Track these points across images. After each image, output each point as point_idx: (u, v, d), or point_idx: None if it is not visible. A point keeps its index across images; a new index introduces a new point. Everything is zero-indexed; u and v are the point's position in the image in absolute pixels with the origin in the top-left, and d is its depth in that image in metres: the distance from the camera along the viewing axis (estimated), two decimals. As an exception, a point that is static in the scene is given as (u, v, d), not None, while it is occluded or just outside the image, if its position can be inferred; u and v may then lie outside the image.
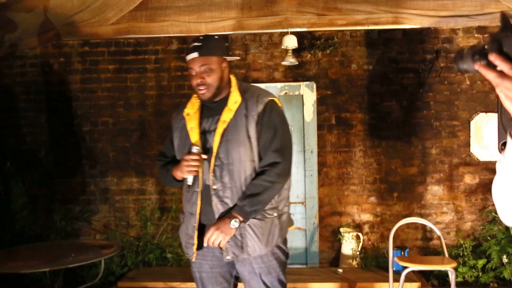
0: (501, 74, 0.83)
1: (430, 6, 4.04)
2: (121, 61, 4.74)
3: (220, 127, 1.99)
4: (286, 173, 2.03)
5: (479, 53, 0.87)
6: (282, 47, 4.34)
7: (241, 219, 1.94)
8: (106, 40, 4.64)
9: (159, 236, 4.55)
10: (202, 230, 2.05)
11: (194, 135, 2.04)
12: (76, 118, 4.75)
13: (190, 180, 2.02)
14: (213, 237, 1.92)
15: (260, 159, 2.01)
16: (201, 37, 2.03)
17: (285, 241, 2.13)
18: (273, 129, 2.00)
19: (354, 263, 4.35)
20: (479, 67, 0.86)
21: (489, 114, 4.43)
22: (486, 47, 0.86)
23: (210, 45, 2.00)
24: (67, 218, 4.54)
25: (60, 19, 4.08)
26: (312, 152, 4.57)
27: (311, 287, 3.91)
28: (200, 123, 2.07)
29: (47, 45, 4.58)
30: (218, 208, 1.99)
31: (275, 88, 4.60)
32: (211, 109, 2.08)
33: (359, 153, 4.60)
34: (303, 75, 4.62)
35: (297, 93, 4.59)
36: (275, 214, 2.04)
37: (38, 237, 4.34)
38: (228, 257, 2.00)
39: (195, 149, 1.99)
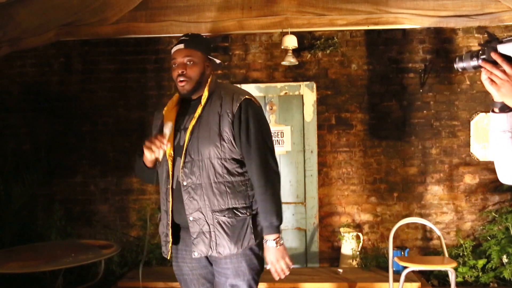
0: (496, 66, 1.25)
1: (430, 6, 4.04)
2: (121, 61, 4.74)
3: (190, 124, 1.99)
4: (276, 174, 2.02)
5: (476, 55, 1.31)
6: (282, 47, 4.34)
7: (277, 235, 1.97)
8: (106, 40, 4.64)
9: (159, 236, 4.55)
10: (177, 228, 2.07)
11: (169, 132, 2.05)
12: (76, 118, 4.75)
13: (160, 155, 1.97)
14: (279, 270, 1.99)
15: (239, 158, 2.00)
16: (189, 34, 2.08)
17: (259, 245, 2.05)
18: (251, 129, 1.97)
19: (354, 263, 4.35)
20: (482, 62, 1.28)
21: (489, 114, 4.42)
22: (480, 52, 1.30)
23: (196, 40, 2.05)
24: (67, 218, 4.54)
25: (60, 19, 4.07)
26: (312, 152, 4.57)
27: (311, 287, 3.91)
28: (178, 120, 2.07)
29: (47, 45, 4.58)
30: (188, 205, 1.97)
31: (275, 88, 4.60)
32: (189, 106, 2.08)
33: (359, 153, 4.60)
34: (303, 75, 4.62)
35: (297, 93, 4.59)
36: (248, 213, 1.99)
37: (38, 237, 4.34)
38: (196, 254, 1.99)
39: (169, 126, 2.01)
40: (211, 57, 2.10)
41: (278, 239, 1.97)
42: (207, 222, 1.96)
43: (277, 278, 2.01)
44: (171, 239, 2.05)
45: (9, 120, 4.76)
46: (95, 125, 4.74)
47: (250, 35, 4.63)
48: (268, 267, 2.02)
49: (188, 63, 2.00)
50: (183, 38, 2.05)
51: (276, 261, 1.97)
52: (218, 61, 2.16)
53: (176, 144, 2.04)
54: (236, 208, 1.98)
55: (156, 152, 1.96)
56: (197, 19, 4.24)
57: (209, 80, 2.07)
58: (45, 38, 4.24)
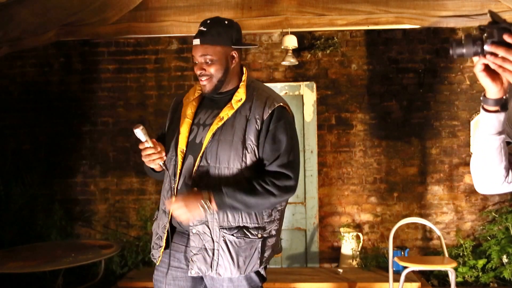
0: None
1: (430, 6, 4.04)
2: (121, 61, 4.74)
3: (215, 124, 1.74)
4: (288, 190, 1.75)
5: (481, 39, 1.05)
6: (282, 47, 4.34)
7: (215, 205, 1.67)
8: (106, 40, 4.64)
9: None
10: (173, 232, 1.84)
11: (185, 124, 1.82)
12: (76, 118, 4.75)
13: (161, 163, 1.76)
14: (178, 212, 1.67)
15: (257, 169, 1.77)
16: (208, 21, 1.77)
17: (265, 267, 1.87)
18: (280, 141, 1.75)
19: (354, 263, 4.35)
20: (492, 45, 1.03)
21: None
22: (485, 35, 1.04)
23: (215, 32, 1.75)
24: (67, 218, 4.54)
25: (60, 19, 4.07)
26: (312, 152, 4.57)
27: (311, 287, 3.91)
28: (197, 113, 1.85)
29: (47, 45, 4.58)
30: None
31: (275, 88, 4.59)
32: (213, 100, 1.85)
33: (359, 153, 4.60)
34: (303, 75, 4.62)
35: (297, 93, 4.59)
36: (259, 236, 1.76)
37: (38, 237, 4.34)
38: (193, 272, 1.75)
39: (138, 132, 1.70)
40: (236, 46, 1.82)
41: (209, 203, 1.67)
42: (212, 239, 1.73)
43: (168, 207, 1.75)
44: (163, 244, 1.81)
45: (9, 120, 4.76)
46: (95, 125, 4.74)
47: (250, 35, 4.63)
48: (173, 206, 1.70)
49: (207, 62, 1.75)
50: (200, 29, 1.76)
51: (186, 209, 1.65)
52: (252, 45, 1.98)
53: (190, 140, 1.80)
54: (247, 228, 1.75)
55: (156, 161, 1.76)
56: (197, 19, 4.23)
57: (244, 77, 1.85)
58: (45, 38, 4.23)
